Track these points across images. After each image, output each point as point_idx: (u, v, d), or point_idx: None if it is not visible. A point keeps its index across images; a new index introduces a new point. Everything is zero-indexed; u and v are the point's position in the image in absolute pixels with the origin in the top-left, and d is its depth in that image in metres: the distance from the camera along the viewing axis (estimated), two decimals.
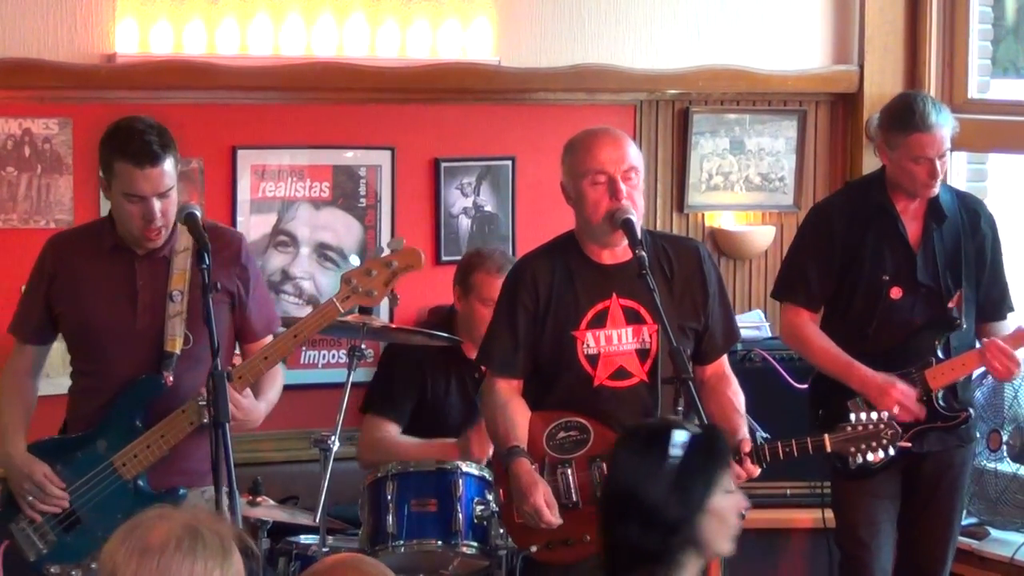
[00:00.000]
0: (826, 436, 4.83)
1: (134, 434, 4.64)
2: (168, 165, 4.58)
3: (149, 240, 4.64)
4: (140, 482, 4.64)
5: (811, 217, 5.69)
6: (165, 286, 4.66)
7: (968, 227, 5.46)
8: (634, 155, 4.75)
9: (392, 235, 6.14)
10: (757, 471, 4.65)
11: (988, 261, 5.48)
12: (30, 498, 4.66)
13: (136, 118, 4.66)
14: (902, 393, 5.28)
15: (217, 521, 2.58)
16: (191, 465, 4.63)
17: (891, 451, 4.87)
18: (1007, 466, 6.16)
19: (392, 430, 5.78)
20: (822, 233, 5.49)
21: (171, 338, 4.64)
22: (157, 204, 4.57)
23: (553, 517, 4.61)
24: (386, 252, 4.69)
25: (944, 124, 5.32)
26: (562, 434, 4.74)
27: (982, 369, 5.48)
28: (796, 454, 4.78)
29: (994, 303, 5.51)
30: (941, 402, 5.36)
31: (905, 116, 5.33)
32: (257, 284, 4.88)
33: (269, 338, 4.83)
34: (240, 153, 6.01)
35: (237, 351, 4.89)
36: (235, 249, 4.80)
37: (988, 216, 5.53)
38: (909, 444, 5.27)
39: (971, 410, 5.48)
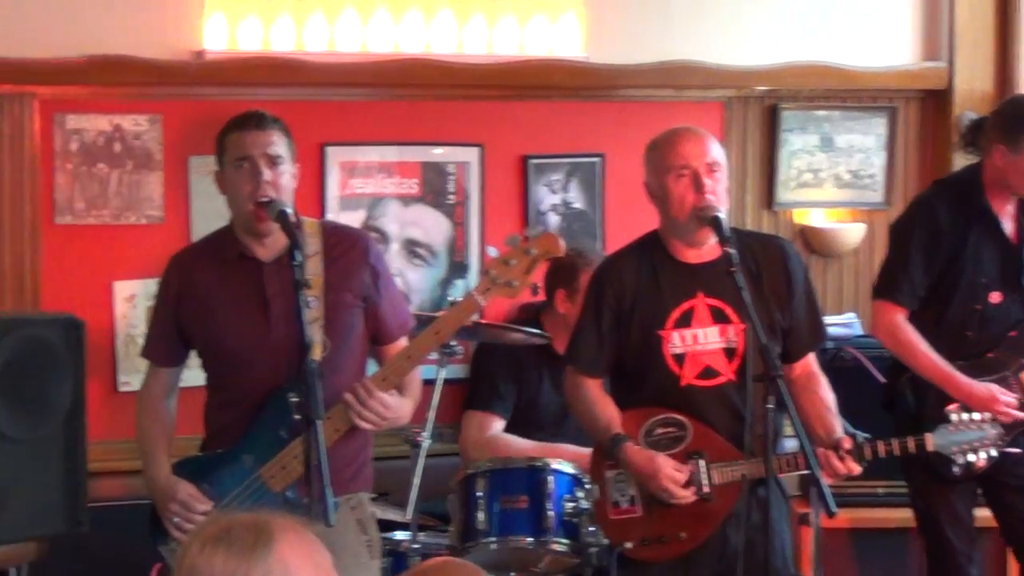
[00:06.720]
0: (927, 436, 4.78)
1: (280, 445, 4.53)
2: (276, 135, 4.52)
3: (260, 219, 4.51)
4: (289, 494, 4.53)
5: (915, 215, 5.58)
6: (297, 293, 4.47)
7: None
8: (716, 151, 4.72)
9: (481, 232, 6.17)
10: (859, 469, 4.61)
11: None
12: (176, 519, 4.55)
13: None
14: (1005, 404, 5.31)
15: (264, 520, 2.49)
16: (337, 473, 4.37)
17: (993, 452, 4.82)
18: None
19: (498, 425, 5.77)
20: (930, 232, 5.43)
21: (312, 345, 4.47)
22: (266, 171, 4.48)
23: (684, 491, 4.61)
24: (523, 240, 4.54)
25: None
26: (659, 430, 4.70)
27: None
28: (897, 453, 4.75)
29: None
30: None
31: None
32: (388, 284, 4.75)
33: (404, 340, 4.72)
34: (329, 150, 6.01)
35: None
36: (362, 249, 4.69)
37: None
38: (1020, 450, 5.33)
39: None
